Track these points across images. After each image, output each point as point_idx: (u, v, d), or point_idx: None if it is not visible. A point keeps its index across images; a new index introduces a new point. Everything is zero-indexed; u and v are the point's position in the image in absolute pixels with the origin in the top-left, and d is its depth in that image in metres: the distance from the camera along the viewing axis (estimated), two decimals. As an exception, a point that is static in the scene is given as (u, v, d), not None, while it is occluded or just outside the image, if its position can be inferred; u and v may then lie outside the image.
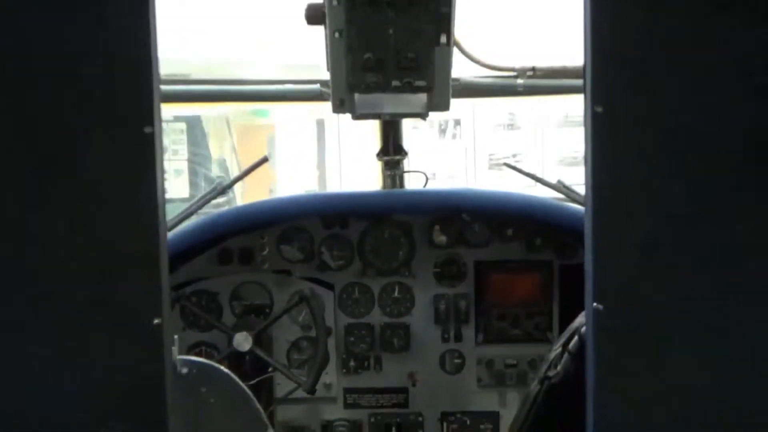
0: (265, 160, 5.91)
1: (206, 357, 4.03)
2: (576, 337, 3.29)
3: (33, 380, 2.82)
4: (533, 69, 4.64)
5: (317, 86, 4.67)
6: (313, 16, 3.91)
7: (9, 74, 2.72)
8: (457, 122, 11.72)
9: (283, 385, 4.55)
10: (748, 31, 2.71)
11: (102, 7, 2.71)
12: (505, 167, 6.00)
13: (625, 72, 2.78)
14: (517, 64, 4.64)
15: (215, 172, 9.56)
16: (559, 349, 3.39)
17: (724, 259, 2.80)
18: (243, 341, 4.32)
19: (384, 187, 4.73)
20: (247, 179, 5.48)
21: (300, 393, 4.45)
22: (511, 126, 11.91)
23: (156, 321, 2.78)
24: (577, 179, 3.50)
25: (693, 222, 2.80)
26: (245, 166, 6.19)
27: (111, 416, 2.80)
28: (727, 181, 2.78)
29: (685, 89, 2.78)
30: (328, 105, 4.18)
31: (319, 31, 3.97)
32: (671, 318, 2.81)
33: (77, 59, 2.74)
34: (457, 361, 4.65)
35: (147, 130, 2.75)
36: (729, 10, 2.72)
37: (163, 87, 2.82)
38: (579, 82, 2.93)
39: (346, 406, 4.67)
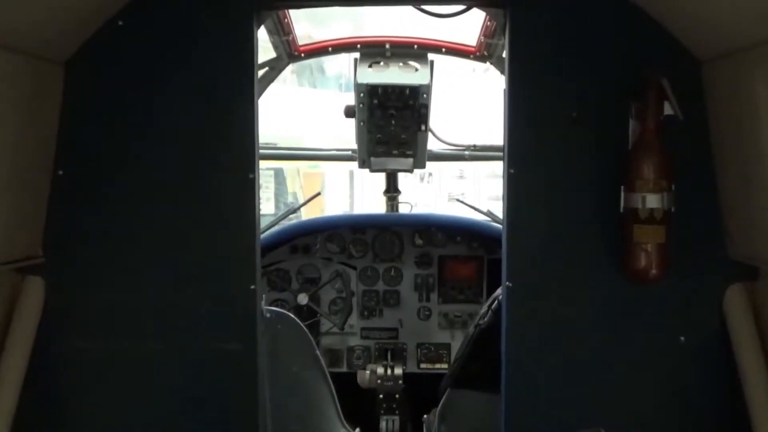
0: (318, 194, 5.92)
1: (281, 307, 3.99)
2: (496, 301, 3.24)
3: (177, 315, 2.82)
4: (474, 145, 4.60)
5: (350, 152, 4.60)
6: (348, 112, 3.94)
7: (173, 148, 2.78)
8: (430, 174, 11.74)
9: (325, 325, 4.47)
10: (599, 141, 2.75)
11: (228, 108, 2.78)
12: (456, 201, 5.94)
13: (527, 149, 2.80)
14: (465, 142, 4.60)
15: (289, 200, 9.52)
16: (486, 308, 3.37)
17: (581, 257, 2.82)
18: (303, 298, 4.28)
19: (387, 211, 4.70)
20: (307, 204, 5.49)
21: (335, 329, 4.41)
22: (461, 177, 11.96)
23: (252, 286, 2.82)
24: (498, 209, 3.49)
25: (563, 237, 2.81)
26: (307, 197, 6.16)
27: (228, 338, 2.83)
28: (586, 208, 2.79)
29: (560, 158, 2.79)
30: (356, 163, 4.20)
31: (351, 121, 3.97)
32: (550, 288, 2.82)
33: (212, 136, 2.79)
34: (426, 313, 4.56)
35: (251, 176, 2.80)
36: (584, 122, 2.76)
37: (261, 150, 2.89)
38: (500, 153, 2.95)
39: (362, 337, 4.58)
